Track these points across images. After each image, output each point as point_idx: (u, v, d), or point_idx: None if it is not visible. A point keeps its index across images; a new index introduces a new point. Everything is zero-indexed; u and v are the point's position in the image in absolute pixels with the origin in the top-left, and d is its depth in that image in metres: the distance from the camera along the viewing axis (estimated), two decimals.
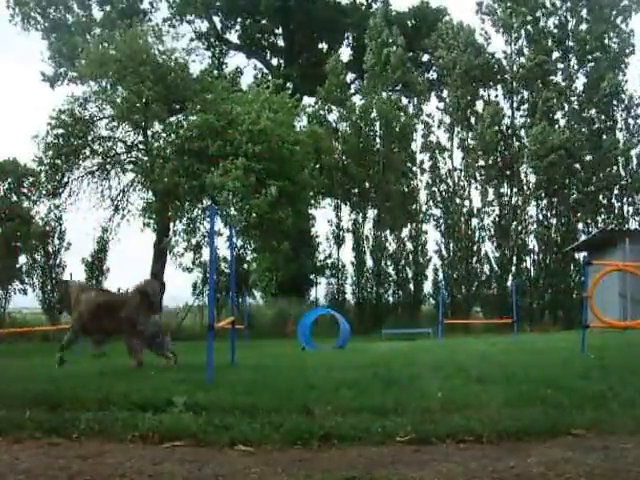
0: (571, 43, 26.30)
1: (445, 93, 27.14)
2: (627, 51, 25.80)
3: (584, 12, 26.35)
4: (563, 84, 26.21)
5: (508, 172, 26.03)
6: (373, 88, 26.12)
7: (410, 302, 25.74)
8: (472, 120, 26.11)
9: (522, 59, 26.20)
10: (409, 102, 27.65)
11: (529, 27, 26.14)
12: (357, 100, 27.99)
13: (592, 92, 25.57)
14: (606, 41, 25.86)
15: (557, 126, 25.52)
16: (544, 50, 25.65)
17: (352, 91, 30.26)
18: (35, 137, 21.31)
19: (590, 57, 26.09)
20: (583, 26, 26.22)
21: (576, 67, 26.47)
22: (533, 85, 25.88)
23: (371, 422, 3.40)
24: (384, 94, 26.14)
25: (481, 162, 26.10)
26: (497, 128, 25.72)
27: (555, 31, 26.43)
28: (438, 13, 30.64)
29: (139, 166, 22.45)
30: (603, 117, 25.78)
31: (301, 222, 22.39)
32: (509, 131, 26.55)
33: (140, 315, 6.79)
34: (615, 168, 25.52)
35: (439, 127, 26.71)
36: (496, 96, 26.91)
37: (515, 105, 26.74)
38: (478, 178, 26.23)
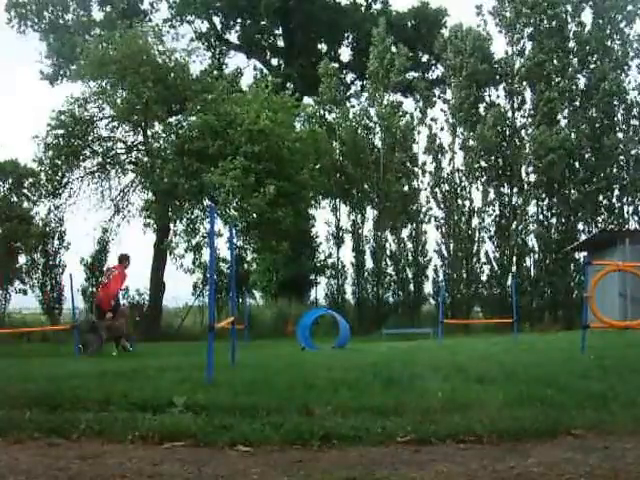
0: (572, 44, 26.31)
1: (448, 95, 27.13)
2: (631, 55, 25.85)
3: (586, 14, 26.44)
4: (564, 84, 26.20)
5: (508, 172, 26.05)
6: (376, 91, 26.11)
7: (410, 302, 25.74)
8: (474, 121, 26.05)
9: (523, 59, 26.21)
10: (416, 107, 27.65)
11: (531, 28, 26.17)
12: (358, 101, 28.05)
13: (593, 92, 25.58)
14: (609, 43, 25.89)
15: (557, 126, 25.53)
16: (545, 50, 25.66)
17: (353, 91, 30.31)
18: (35, 137, 21.35)
19: (591, 58, 26.12)
20: (585, 28, 26.26)
21: (577, 67, 26.49)
22: (534, 85, 25.89)
23: (371, 422, 3.40)
24: (386, 97, 26.13)
25: (482, 162, 26.12)
26: (499, 129, 25.77)
27: (556, 31, 26.43)
28: (438, 14, 30.67)
29: (139, 166, 22.47)
30: (603, 117, 25.77)
31: (301, 222, 22.40)
32: (510, 131, 26.57)
33: None
34: (615, 168, 25.51)
35: (442, 130, 26.73)
36: (497, 97, 26.95)
37: (516, 105, 26.75)
38: (479, 178, 26.24)
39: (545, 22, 26.20)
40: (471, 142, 25.96)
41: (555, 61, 25.75)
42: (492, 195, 26.25)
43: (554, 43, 25.69)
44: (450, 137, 26.59)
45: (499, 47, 27.47)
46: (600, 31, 25.73)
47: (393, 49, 26.11)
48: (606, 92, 24.96)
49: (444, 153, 26.48)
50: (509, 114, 26.67)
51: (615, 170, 25.53)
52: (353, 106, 27.57)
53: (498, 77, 26.61)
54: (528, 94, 26.44)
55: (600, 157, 25.04)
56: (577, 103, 26.32)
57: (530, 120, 25.92)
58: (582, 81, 26.59)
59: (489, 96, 26.96)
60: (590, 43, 25.68)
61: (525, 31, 26.36)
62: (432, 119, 26.71)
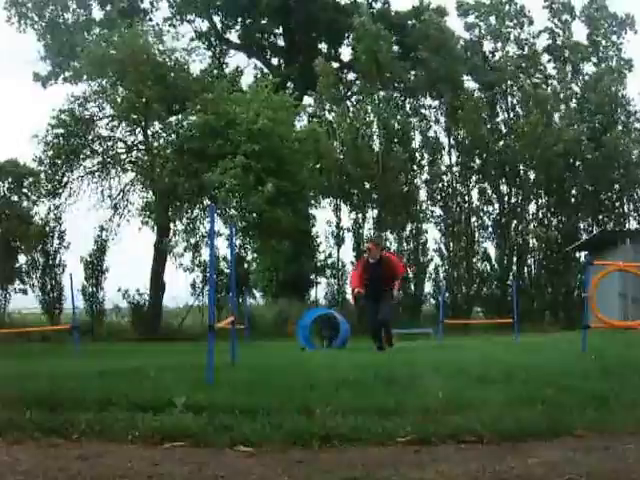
0: (566, 52, 26.67)
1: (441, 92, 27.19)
2: (623, 63, 26.20)
3: (577, 23, 27.05)
4: (560, 84, 26.41)
5: (507, 170, 26.08)
6: (368, 88, 26.11)
7: (411, 302, 25.71)
8: (466, 117, 26.04)
9: (512, 59, 26.49)
10: (411, 103, 27.64)
11: (518, 30, 26.65)
12: (357, 101, 28.00)
13: (590, 92, 25.70)
14: (601, 49, 26.31)
15: (555, 125, 25.63)
16: (536, 53, 26.06)
17: (355, 90, 30.27)
18: (35, 137, 21.36)
19: (585, 63, 26.57)
20: (575, 38, 26.83)
21: (571, 69, 26.79)
22: (529, 83, 26.05)
23: (371, 422, 3.40)
24: (381, 93, 26.12)
25: (478, 161, 26.20)
26: (493, 127, 25.93)
27: (546, 38, 27.06)
28: (439, 14, 30.61)
29: (139, 166, 22.47)
30: (602, 117, 25.82)
31: (301, 222, 22.39)
32: (506, 129, 26.70)
33: None
34: (615, 167, 25.54)
35: (436, 123, 26.86)
36: (494, 95, 26.97)
37: (511, 105, 26.89)
38: (476, 177, 26.32)
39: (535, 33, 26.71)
40: (466, 141, 26.05)
41: (546, 60, 26.21)
42: (491, 194, 26.30)
43: (543, 50, 26.13)
44: (445, 135, 26.74)
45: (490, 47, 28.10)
46: (592, 40, 26.18)
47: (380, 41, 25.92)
48: (604, 93, 25.10)
49: (440, 150, 26.57)
50: (506, 112, 26.84)
51: (615, 169, 25.57)
52: (354, 105, 27.54)
53: (495, 76, 26.63)
54: (523, 92, 26.53)
55: (601, 156, 25.07)
56: (573, 103, 26.53)
57: (527, 118, 25.98)
58: (579, 80, 26.85)
59: (484, 94, 27.00)
60: (582, 51, 26.05)
61: (512, 34, 26.75)
62: (425, 118, 26.84)
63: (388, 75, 25.73)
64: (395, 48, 26.37)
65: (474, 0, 27.53)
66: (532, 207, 26.36)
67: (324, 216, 26.28)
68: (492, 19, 27.02)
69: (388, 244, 25.97)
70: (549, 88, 26.33)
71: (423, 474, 2.67)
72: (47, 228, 23.01)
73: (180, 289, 24.23)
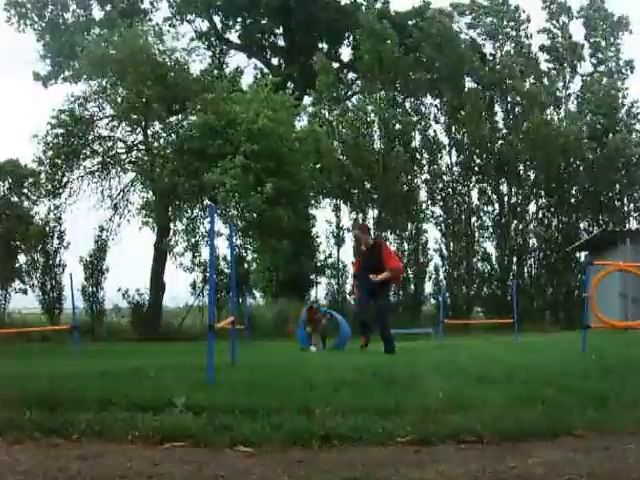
0: (564, 52, 26.76)
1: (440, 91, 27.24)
2: (623, 64, 26.30)
3: (576, 25, 27.23)
4: (559, 84, 26.49)
5: (507, 170, 26.10)
6: (369, 87, 26.11)
7: (411, 302, 25.71)
8: (467, 118, 26.07)
9: (513, 55, 26.59)
10: (412, 102, 27.66)
11: (514, 33, 26.80)
12: (357, 100, 28.02)
13: (589, 92, 25.74)
14: (600, 49, 26.41)
15: (555, 125, 25.66)
16: (534, 53, 26.25)
17: (355, 90, 30.31)
18: (35, 137, 21.35)
19: (583, 63, 26.75)
20: (573, 38, 26.88)
21: (569, 69, 26.86)
22: (528, 83, 26.14)
23: (371, 422, 3.40)
24: (382, 93, 26.11)
25: (478, 160, 26.21)
26: (491, 125, 25.95)
27: (545, 39, 27.22)
28: (441, 15, 30.61)
29: (139, 166, 22.47)
30: (603, 117, 25.85)
31: (301, 222, 22.37)
32: (506, 129, 26.73)
33: None
34: (616, 167, 25.55)
35: (437, 122, 26.89)
36: (492, 94, 27.01)
37: (511, 105, 26.90)
38: (476, 177, 26.33)
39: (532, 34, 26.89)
40: (465, 140, 26.07)
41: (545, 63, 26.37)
42: (490, 194, 26.31)
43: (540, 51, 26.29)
44: (445, 135, 26.76)
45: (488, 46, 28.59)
46: (590, 41, 26.29)
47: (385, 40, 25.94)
48: (603, 94, 25.15)
49: (440, 150, 26.59)
50: (505, 112, 26.89)
51: (616, 169, 25.59)
52: (355, 105, 27.54)
53: (493, 76, 26.66)
54: (522, 91, 26.59)
55: (602, 157, 25.09)
56: (573, 103, 26.63)
57: (526, 118, 26.01)
58: (580, 79, 27.00)
59: (484, 94, 27.02)
60: (580, 52, 26.17)
61: (510, 34, 26.86)
62: (425, 117, 26.89)
63: (391, 74, 25.69)
64: (392, 34, 26.32)
65: (470, 0, 27.61)
66: (532, 207, 26.40)
67: (324, 216, 26.27)
68: (489, 20, 27.08)
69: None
70: (547, 88, 26.36)
71: (423, 474, 2.67)
72: (47, 228, 22.99)
73: (180, 289, 24.22)
